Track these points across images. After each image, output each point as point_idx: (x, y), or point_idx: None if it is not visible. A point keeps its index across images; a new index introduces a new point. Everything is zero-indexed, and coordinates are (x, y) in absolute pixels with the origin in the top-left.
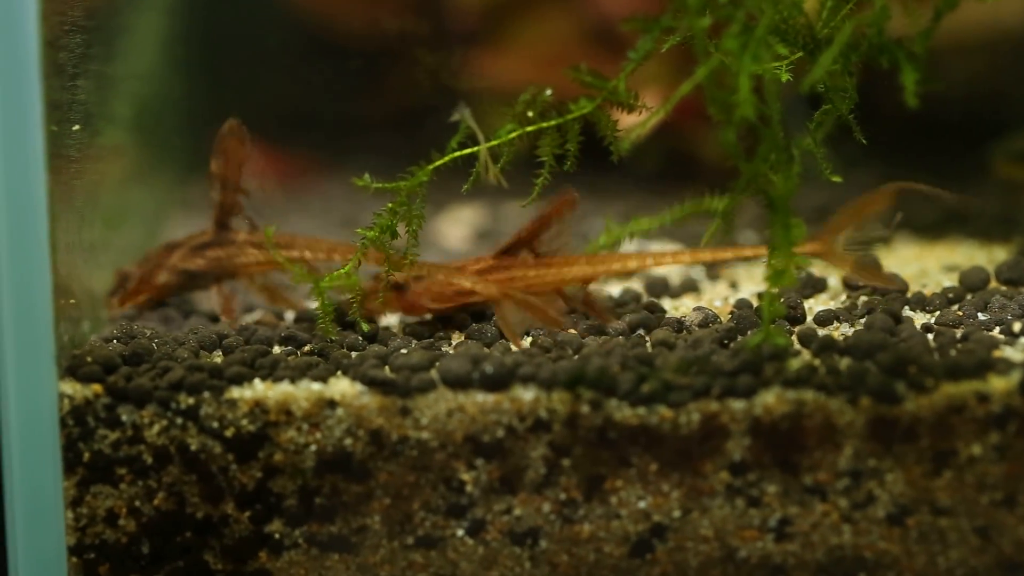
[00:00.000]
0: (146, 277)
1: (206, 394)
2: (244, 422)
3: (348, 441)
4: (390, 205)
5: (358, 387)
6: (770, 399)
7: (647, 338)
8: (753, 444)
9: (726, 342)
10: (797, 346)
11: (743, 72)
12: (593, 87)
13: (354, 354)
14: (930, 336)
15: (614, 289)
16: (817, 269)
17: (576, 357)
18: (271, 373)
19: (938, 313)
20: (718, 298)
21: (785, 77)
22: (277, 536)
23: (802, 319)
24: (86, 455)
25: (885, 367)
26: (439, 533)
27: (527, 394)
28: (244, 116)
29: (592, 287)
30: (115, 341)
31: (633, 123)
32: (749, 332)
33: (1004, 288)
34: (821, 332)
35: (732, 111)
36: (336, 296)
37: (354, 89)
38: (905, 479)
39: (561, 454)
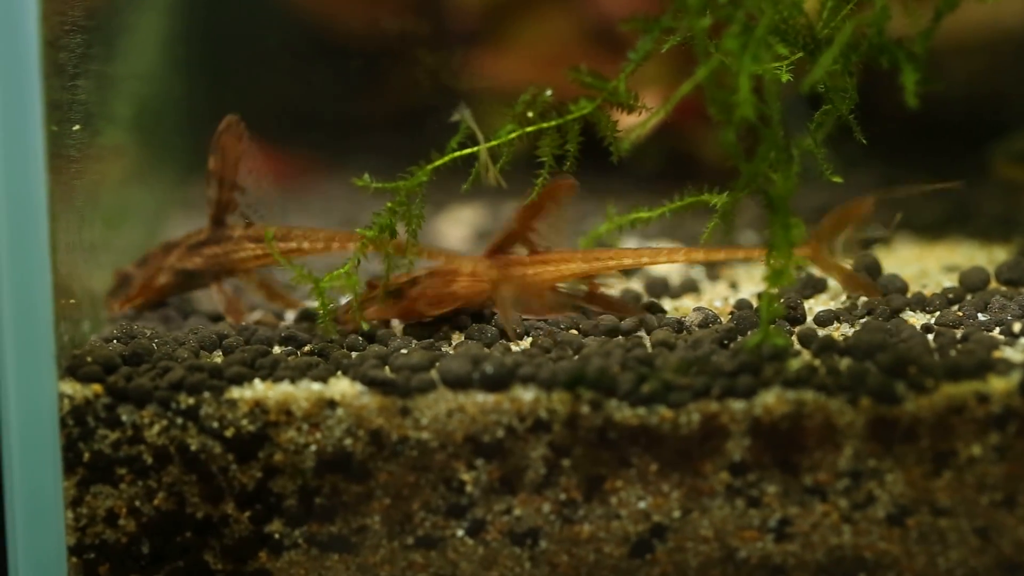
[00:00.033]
0: (148, 282)
1: (206, 394)
2: (244, 422)
3: (348, 441)
4: (389, 205)
5: (358, 387)
6: (770, 399)
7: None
8: (753, 444)
9: (726, 342)
10: (797, 346)
11: (743, 72)
12: (593, 87)
13: (354, 354)
14: (930, 336)
15: (613, 290)
16: (817, 270)
17: (576, 357)
18: (271, 373)
19: (938, 313)
20: (718, 298)
21: (785, 77)
22: (277, 536)
23: (802, 319)
24: (86, 455)
25: (885, 367)
26: (439, 533)
27: (527, 394)
28: (244, 116)
29: (597, 283)
30: (115, 341)
31: (633, 123)
32: (749, 332)
33: (1004, 288)
34: (821, 332)
35: (732, 111)
36: (334, 296)
37: (354, 89)
38: (905, 479)
39: (561, 454)
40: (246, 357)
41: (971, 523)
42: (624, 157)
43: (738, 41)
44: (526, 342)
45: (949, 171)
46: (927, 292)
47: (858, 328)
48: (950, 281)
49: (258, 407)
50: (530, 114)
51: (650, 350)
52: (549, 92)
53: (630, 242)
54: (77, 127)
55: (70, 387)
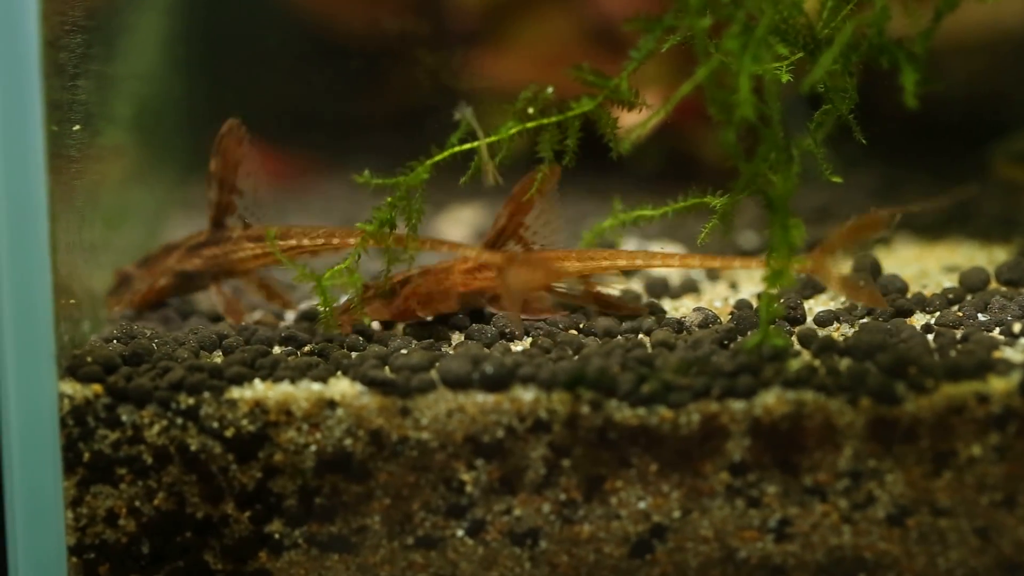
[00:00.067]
0: (154, 284)
1: (206, 394)
2: (244, 422)
3: (348, 441)
4: (390, 199)
5: (358, 387)
6: (770, 400)
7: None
8: (753, 445)
9: (726, 343)
10: (797, 347)
11: (743, 72)
12: (595, 85)
13: (354, 354)
14: (930, 337)
15: (613, 291)
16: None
17: (576, 358)
18: (271, 373)
19: (938, 314)
20: (718, 299)
21: (785, 78)
22: (277, 536)
23: (802, 320)
24: (86, 455)
25: (885, 368)
26: (439, 533)
27: (527, 394)
28: (245, 116)
29: (594, 283)
30: (115, 341)
31: (634, 123)
32: (749, 333)
33: (1004, 289)
34: (821, 333)
35: (732, 111)
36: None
37: (354, 89)
38: (905, 480)
39: (561, 454)
40: (246, 357)
41: (971, 523)
42: (624, 157)
43: (738, 41)
44: (526, 342)
45: (949, 171)
46: (927, 292)
47: (858, 328)
48: (950, 281)
49: (258, 407)
50: (531, 110)
51: (650, 350)
52: (550, 89)
53: (631, 242)
54: (77, 127)
55: (70, 387)
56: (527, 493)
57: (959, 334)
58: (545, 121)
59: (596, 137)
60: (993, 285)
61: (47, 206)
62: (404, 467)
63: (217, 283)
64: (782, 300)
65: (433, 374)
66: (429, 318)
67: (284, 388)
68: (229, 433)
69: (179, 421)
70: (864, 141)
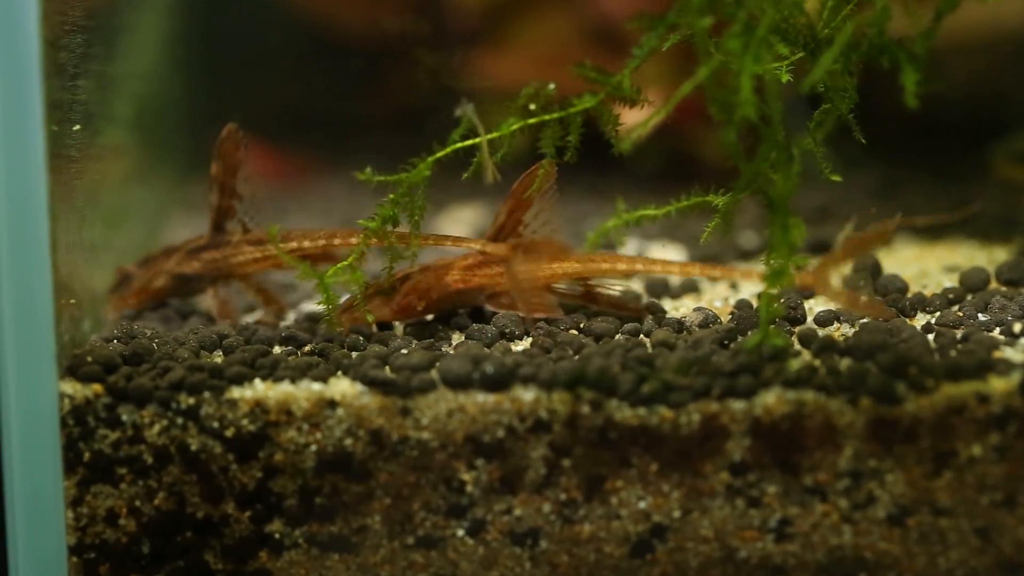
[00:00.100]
0: (146, 284)
1: (206, 394)
2: (244, 422)
3: (348, 441)
4: (392, 196)
5: (358, 387)
6: (770, 400)
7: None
8: (753, 445)
9: (726, 343)
10: (797, 346)
11: (745, 72)
12: (597, 82)
13: (354, 354)
14: (930, 337)
15: (613, 291)
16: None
17: (576, 357)
18: (271, 373)
19: (938, 314)
20: (718, 298)
21: (785, 77)
22: (277, 536)
23: (802, 319)
24: (86, 455)
25: (885, 368)
26: (439, 533)
27: (527, 394)
28: (245, 116)
29: (594, 285)
30: (115, 341)
31: (634, 122)
32: (749, 332)
33: (1004, 289)
34: (821, 332)
35: (733, 111)
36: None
37: (355, 89)
38: (905, 480)
39: (561, 454)
40: (246, 357)
41: (971, 523)
42: (624, 156)
43: (740, 41)
44: (526, 342)
45: (949, 171)
46: (927, 292)
47: (858, 328)
48: (950, 281)
49: (258, 407)
50: (532, 107)
51: (650, 350)
52: (552, 85)
53: (631, 242)
54: (77, 127)
55: (70, 387)
56: (527, 493)
57: (959, 334)
58: (547, 117)
59: (596, 136)
60: (993, 285)
61: (47, 206)
62: (404, 467)
63: (215, 286)
64: (782, 300)
65: (433, 374)
66: (429, 317)
67: (284, 388)
68: (229, 433)
69: (179, 421)
70: (864, 141)
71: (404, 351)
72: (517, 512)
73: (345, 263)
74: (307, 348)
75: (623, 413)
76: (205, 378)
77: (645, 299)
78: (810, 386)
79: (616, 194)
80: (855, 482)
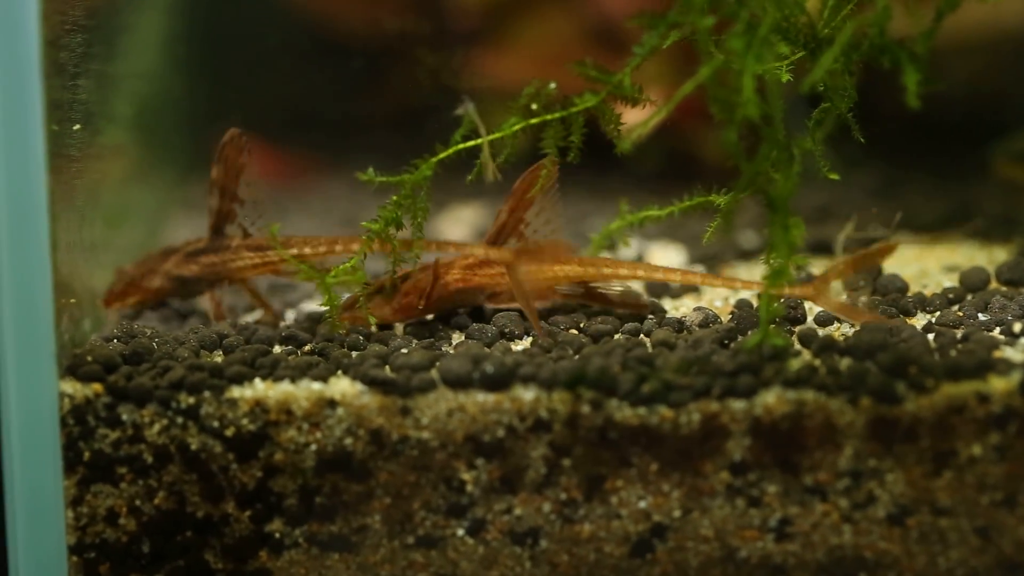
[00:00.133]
0: (137, 281)
1: (206, 393)
2: (244, 421)
3: (348, 441)
4: (395, 198)
5: (358, 387)
6: (770, 399)
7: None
8: (753, 444)
9: (726, 342)
10: (797, 346)
11: (747, 72)
12: (598, 81)
13: (354, 354)
14: (930, 336)
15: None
16: (817, 270)
17: (577, 357)
18: (271, 372)
19: (938, 313)
20: (718, 298)
21: (785, 77)
22: (277, 535)
23: (802, 319)
24: (86, 454)
25: (885, 367)
26: (439, 533)
27: (528, 394)
28: (245, 116)
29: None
30: (115, 340)
31: (635, 122)
32: (749, 332)
33: (1004, 288)
34: (821, 332)
35: (735, 111)
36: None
37: (355, 89)
38: (905, 479)
39: (561, 454)
40: (246, 356)
41: (971, 523)
42: (624, 156)
43: (742, 40)
44: (526, 341)
45: (949, 171)
46: (927, 292)
47: (858, 328)
48: (950, 281)
49: (258, 406)
50: (534, 106)
51: (650, 350)
52: (553, 84)
53: (631, 242)
54: (78, 126)
55: (70, 386)
56: (527, 492)
57: (959, 334)
58: (549, 117)
59: (597, 136)
60: (993, 285)
61: (47, 205)
62: (404, 466)
63: (213, 289)
64: (782, 300)
65: (433, 373)
66: (429, 316)
67: (284, 387)
68: (229, 432)
69: (179, 420)
70: (864, 141)
71: (404, 350)
72: (517, 512)
73: (347, 264)
74: (307, 347)
75: (623, 413)
76: (205, 377)
77: (645, 298)
78: (810, 386)
79: (616, 193)
80: (855, 482)
